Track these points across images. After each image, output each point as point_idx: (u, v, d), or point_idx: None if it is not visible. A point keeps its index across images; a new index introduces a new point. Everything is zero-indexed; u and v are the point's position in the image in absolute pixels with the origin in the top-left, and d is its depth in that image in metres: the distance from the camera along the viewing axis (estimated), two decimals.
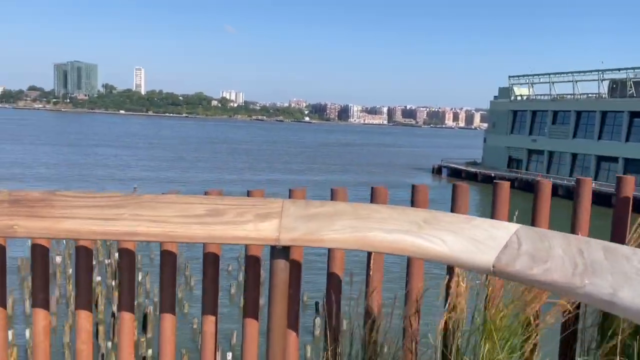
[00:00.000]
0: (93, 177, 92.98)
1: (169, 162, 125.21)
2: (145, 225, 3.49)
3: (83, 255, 4.22)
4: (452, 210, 4.82)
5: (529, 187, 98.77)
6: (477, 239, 3.29)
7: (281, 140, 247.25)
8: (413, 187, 4.98)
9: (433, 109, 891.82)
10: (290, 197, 4.49)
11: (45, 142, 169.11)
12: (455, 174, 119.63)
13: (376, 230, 3.48)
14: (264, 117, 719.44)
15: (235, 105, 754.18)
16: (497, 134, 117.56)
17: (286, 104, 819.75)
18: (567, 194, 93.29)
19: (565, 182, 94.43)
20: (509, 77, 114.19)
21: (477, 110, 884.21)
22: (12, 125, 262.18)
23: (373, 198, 4.91)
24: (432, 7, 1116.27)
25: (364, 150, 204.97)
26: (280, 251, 3.64)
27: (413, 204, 4.96)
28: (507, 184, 5.21)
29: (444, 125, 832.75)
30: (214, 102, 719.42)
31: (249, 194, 4.45)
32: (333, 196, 4.80)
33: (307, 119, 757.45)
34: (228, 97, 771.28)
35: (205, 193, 4.19)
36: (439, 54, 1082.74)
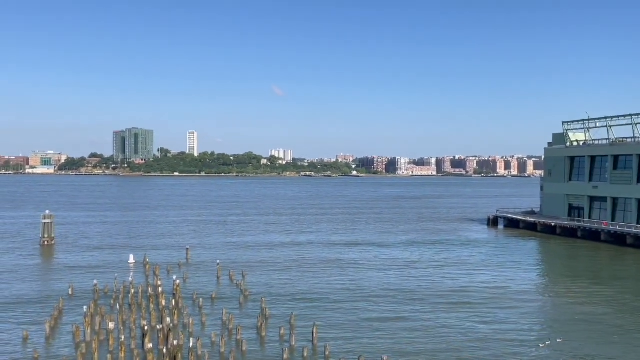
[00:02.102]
0: (153, 242, 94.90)
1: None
2: None
3: None
4: None
5: (594, 236, 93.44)
6: None
7: (329, 195, 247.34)
8: None
9: (483, 158, 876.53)
10: None
11: (103, 207, 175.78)
12: (512, 224, 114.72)
13: None
14: (312, 172, 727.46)
15: (284, 162, 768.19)
16: (554, 182, 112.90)
17: (333, 159, 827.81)
18: (637, 243, 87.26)
19: (633, 229, 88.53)
20: (563, 122, 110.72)
21: (529, 157, 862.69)
22: (73, 192, 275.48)
23: None
24: (477, 56, 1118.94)
25: (415, 204, 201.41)
26: None
27: None
28: None
29: (495, 174, 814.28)
30: (264, 161, 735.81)
31: None
32: None
33: (354, 172, 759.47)
34: (277, 155, 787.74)
35: None
36: (486, 101, 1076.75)
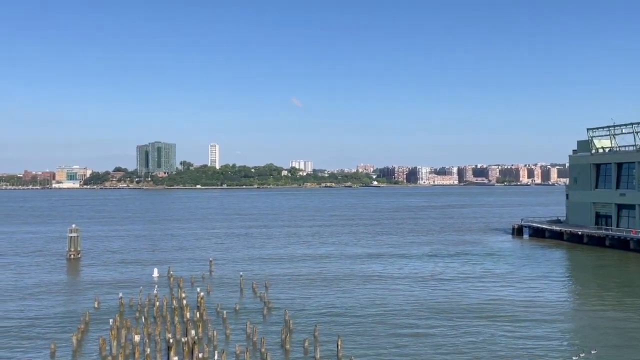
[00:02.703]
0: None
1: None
2: None
3: None
4: None
5: (622, 245, 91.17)
6: None
7: (349, 206, 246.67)
8: None
9: (506, 167, 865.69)
10: None
11: (127, 220, 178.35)
12: (537, 233, 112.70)
13: None
14: (333, 183, 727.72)
15: (304, 173, 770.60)
16: (580, 190, 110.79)
17: (354, 170, 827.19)
18: None
19: None
20: (588, 129, 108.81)
21: (553, 165, 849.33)
22: (98, 206, 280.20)
23: None
24: (498, 64, 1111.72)
25: (437, 213, 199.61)
26: None
27: None
28: None
29: (518, 183, 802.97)
30: (284, 172, 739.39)
31: None
32: None
33: (375, 183, 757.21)
34: (297, 166, 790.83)
35: None
36: (508, 109, 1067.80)
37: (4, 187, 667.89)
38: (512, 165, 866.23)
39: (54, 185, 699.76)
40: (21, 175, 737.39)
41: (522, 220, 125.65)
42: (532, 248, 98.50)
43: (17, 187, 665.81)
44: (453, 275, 71.35)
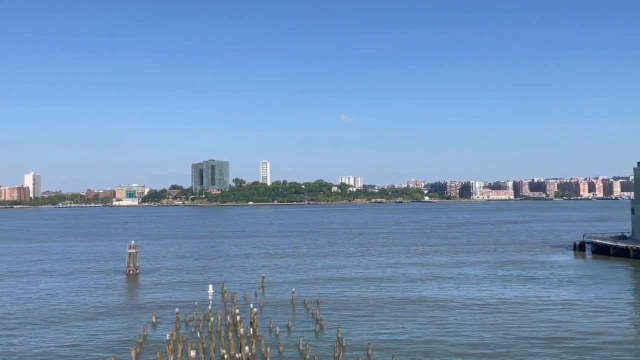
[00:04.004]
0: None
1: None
2: None
3: None
4: None
5: None
6: None
7: (400, 222, 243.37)
8: None
9: (565, 180, 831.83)
10: None
11: (184, 235, 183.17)
12: (601, 250, 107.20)
13: None
14: (383, 199, 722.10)
15: (354, 189, 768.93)
16: None
17: (404, 185, 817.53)
18: None
19: None
20: None
21: (615, 178, 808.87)
22: (156, 223, 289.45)
23: None
24: (557, 75, 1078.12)
25: (492, 229, 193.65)
26: None
27: None
28: None
29: (578, 197, 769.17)
30: (334, 188, 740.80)
31: None
32: None
33: (426, 198, 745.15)
34: (347, 182, 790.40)
35: None
36: (566, 121, 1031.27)
37: (68, 204, 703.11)
38: (572, 178, 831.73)
39: (114, 203, 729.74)
40: (84, 194, 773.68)
41: (584, 236, 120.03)
42: (597, 266, 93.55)
43: (80, 205, 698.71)
44: (515, 298, 66.78)
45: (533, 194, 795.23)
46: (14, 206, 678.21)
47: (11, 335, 51.42)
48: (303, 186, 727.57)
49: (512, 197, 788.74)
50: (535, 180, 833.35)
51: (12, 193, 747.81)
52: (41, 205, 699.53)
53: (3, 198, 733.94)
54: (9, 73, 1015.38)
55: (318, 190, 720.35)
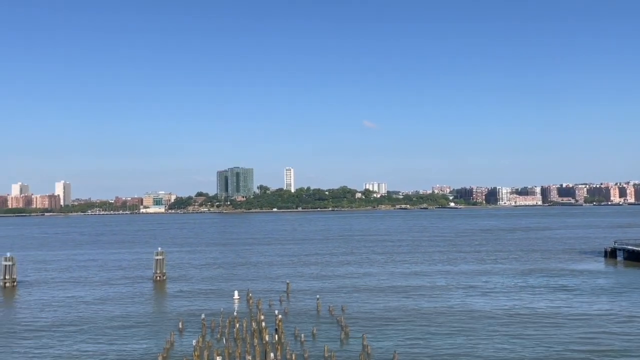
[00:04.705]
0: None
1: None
2: None
3: None
4: None
5: None
6: None
7: (426, 229, 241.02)
8: None
9: (594, 185, 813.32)
10: None
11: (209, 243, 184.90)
12: (633, 257, 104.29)
13: None
14: (407, 205, 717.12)
15: (378, 195, 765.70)
16: None
17: (429, 191, 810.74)
18: None
19: None
20: None
21: None
22: (182, 229, 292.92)
23: None
24: (584, 79, 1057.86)
25: (520, 235, 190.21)
26: None
27: None
28: None
29: (609, 203, 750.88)
30: (358, 195, 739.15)
31: None
32: None
33: (452, 204, 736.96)
34: (371, 188, 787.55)
35: None
36: (596, 125, 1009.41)
37: (97, 212, 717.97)
38: (602, 184, 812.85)
39: (141, 210, 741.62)
40: (112, 201, 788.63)
41: (615, 242, 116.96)
42: (629, 274, 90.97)
43: (108, 212, 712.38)
44: (545, 308, 64.42)
45: (562, 200, 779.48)
46: (45, 214, 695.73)
47: (39, 343, 52.47)
48: (327, 192, 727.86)
49: (539, 202, 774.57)
50: (564, 185, 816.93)
51: (43, 201, 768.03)
52: (71, 212, 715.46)
53: (35, 206, 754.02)
54: (41, 85, 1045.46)
55: (342, 197, 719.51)
